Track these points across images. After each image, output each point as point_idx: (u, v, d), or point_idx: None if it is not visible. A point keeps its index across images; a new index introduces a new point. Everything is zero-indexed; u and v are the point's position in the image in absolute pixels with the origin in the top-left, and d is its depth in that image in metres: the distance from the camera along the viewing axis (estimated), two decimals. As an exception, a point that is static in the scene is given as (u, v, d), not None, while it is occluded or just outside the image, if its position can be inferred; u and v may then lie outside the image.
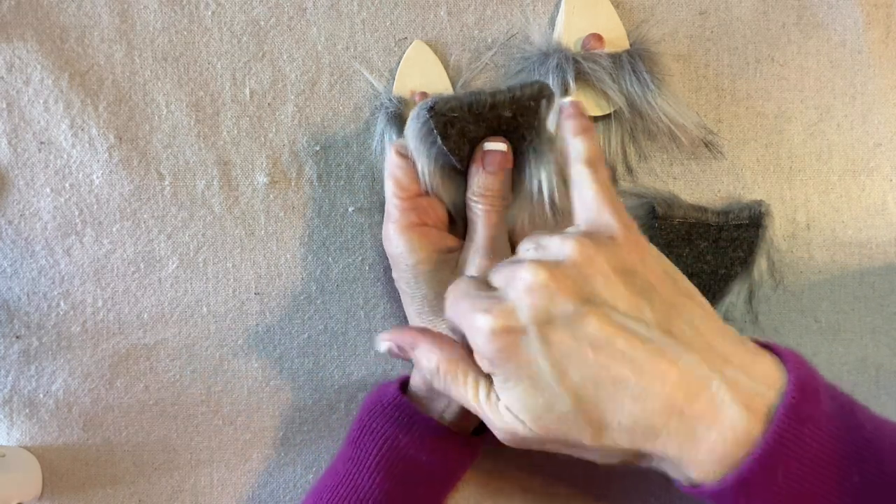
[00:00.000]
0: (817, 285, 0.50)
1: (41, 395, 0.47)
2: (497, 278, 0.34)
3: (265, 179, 0.48)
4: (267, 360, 0.49)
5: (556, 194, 0.42)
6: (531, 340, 0.31)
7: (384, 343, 0.38)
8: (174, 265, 0.48)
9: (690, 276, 0.48)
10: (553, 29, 0.49)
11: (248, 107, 0.48)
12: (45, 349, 0.47)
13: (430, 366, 0.36)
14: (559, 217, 0.43)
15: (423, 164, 0.42)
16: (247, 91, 0.48)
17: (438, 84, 0.48)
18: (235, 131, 0.48)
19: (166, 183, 0.48)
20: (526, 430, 0.32)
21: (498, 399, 0.33)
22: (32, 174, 0.47)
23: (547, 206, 0.42)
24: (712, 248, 0.48)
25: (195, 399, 0.48)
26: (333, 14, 0.48)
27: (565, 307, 0.31)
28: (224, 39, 0.48)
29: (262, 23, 0.48)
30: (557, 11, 0.49)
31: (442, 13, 0.49)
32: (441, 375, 0.35)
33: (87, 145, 0.47)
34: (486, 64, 0.49)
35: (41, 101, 0.47)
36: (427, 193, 0.43)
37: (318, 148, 0.49)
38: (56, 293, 0.47)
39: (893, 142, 0.51)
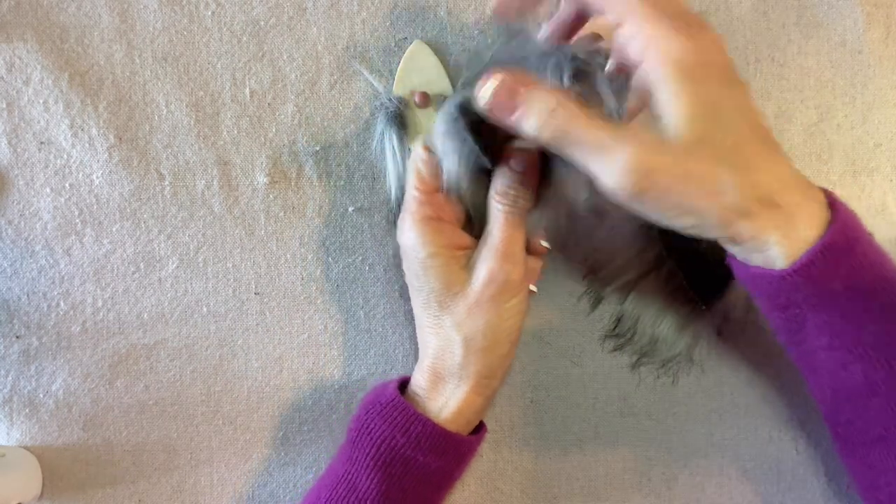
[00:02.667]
0: (817, 285, 0.50)
1: (41, 395, 0.47)
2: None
3: (265, 179, 0.48)
4: (267, 360, 0.49)
5: (593, 196, 0.42)
6: (724, 73, 0.35)
7: (490, 86, 0.37)
8: (174, 265, 0.48)
9: (690, 277, 0.48)
10: (553, 29, 0.49)
11: (248, 107, 0.48)
12: (45, 349, 0.47)
13: (547, 105, 0.35)
14: (597, 218, 0.44)
15: (450, 163, 0.41)
16: (247, 91, 0.48)
17: (438, 84, 0.48)
18: (235, 131, 0.48)
19: (166, 183, 0.48)
20: (668, 158, 0.34)
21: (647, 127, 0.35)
22: (32, 174, 0.47)
23: (584, 208, 0.42)
24: (712, 248, 0.48)
25: (195, 399, 0.48)
26: (333, 14, 0.48)
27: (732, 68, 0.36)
28: (224, 39, 0.48)
29: (262, 23, 0.48)
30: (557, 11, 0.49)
31: (442, 13, 0.49)
32: (560, 114, 0.35)
33: (87, 145, 0.47)
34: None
35: (41, 101, 0.47)
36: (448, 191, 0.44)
37: (318, 148, 0.49)
38: (56, 293, 0.47)
39: (893, 142, 0.51)
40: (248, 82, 0.48)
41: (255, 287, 0.49)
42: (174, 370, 0.48)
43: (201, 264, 0.48)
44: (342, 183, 0.49)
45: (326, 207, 0.49)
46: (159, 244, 0.48)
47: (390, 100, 0.47)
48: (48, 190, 0.47)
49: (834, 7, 0.50)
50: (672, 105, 0.34)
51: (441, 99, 0.48)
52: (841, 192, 0.50)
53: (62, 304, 0.47)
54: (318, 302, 0.49)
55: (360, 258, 0.49)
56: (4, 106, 0.47)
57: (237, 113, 0.48)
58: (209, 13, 0.48)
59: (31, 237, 0.47)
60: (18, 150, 0.47)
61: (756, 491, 0.50)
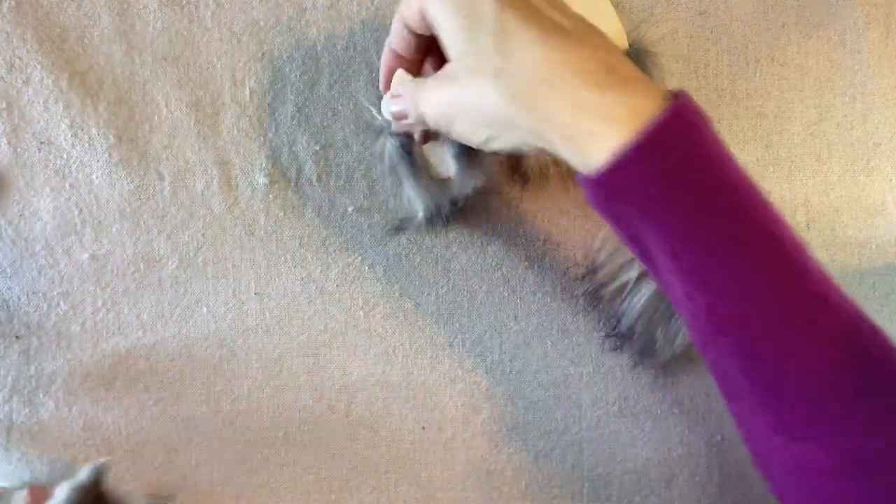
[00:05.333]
0: (817, 285, 0.50)
1: (41, 395, 0.47)
2: None
3: (265, 179, 0.48)
4: (267, 360, 0.49)
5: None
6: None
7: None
8: (174, 265, 0.48)
9: (690, 276, 0.48)
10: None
11: (248, 107, 0.48)
12: (45, 349, 0.47)
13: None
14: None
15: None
16: (247, 91, 0.48)
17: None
18: (235, 131, 0.48)
19: (166, 183, 0.48)
20: (444, 82, 0.36)
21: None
22: (32, 174, 0.47)
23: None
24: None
25: (195, 399, 0.48)
26: (333, 14, 0.48)
27: None
28: (224, 39, 0.48)
29: (262, 23, 0.48)
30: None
31: (442, 13, 0.49)
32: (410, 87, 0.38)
33: (86, 145, 0.47)
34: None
35: (41, 101, 0.47)
36: None
37: (317, 148, 0.49)
38: (56, 293, 0.47)
39: (893, 142, 0.51)
40: (248, 82, 0.48)
41: (255, 287, 0.49)
42: (174, 370, 0.48)
43: (201, 264, 0.48)
44: (342, 183, 0.49)
45: (326, 207, 0.49)
46: (159, 244, 0.48)
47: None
48: (48, 190, 0.47)
49: (834, 7, 0.50)
50: (442, 35, 0.35)
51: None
52: (841, 192, 0.50)
53: (62, 304, 0.47)
54: (318, 302, 0.49)
55: (360, 258, 0.49)
56: (4, 106, 0.47)
57: (237, 113, 0.48)
58: (209, 13, 0.48)
59: (31, 237, 0.47)
60: (18, 150, 0.47)
61: (756, 491, 0.50)
